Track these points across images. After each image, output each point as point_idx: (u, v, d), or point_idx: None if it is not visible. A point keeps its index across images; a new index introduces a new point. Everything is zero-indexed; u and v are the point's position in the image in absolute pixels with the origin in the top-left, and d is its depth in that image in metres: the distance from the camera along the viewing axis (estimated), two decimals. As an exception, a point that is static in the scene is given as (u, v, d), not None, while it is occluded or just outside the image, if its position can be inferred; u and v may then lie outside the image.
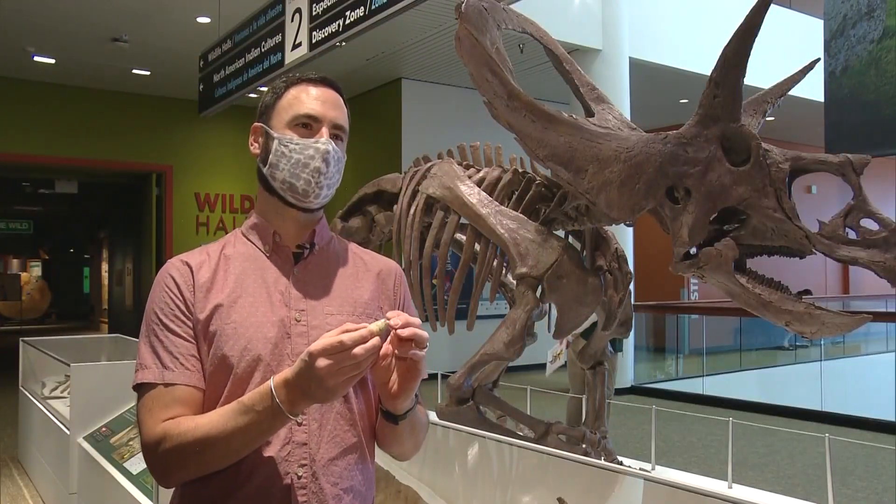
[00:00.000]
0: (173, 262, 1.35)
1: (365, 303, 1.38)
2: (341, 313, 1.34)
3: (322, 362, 1.08)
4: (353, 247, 1.49)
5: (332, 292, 1.37)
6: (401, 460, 1.49)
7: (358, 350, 1.08)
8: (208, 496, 1.25)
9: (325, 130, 1.35)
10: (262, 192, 1.41)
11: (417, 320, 1.16)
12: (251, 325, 1.29)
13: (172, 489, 1.32)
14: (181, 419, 1.22)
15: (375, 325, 1.11)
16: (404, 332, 1.13)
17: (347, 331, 1.10)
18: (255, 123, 1.41)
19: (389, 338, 1.14)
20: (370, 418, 1.37)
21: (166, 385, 1.25)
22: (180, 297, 1.30)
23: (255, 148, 1.41)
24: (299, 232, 1.39)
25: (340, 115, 1.39)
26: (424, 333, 1.15)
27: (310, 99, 1.36)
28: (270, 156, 1.36)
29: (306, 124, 1.35)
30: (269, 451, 1.25)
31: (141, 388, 1.27)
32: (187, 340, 1.28)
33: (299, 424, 1.27)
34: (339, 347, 1.08)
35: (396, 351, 1.16)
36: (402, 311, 1.41)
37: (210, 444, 1.17)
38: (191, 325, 1.29)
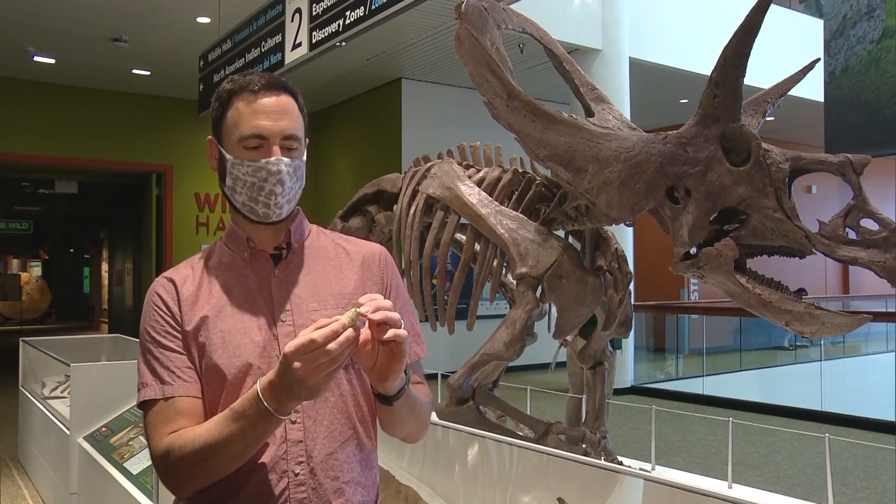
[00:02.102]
0: (158, 281, 1.37)
1: (349, 294, 1.37)
2: (325, 308, 1.34)
3: (297, 363, 1.08)
4: (336, 237, 1.48)
5: (316, 288, 1.37)
6: (409, 442, 1.49)
7: (331, 346, 1.07)
8: (210, 499, 1.27)
9: (275, 149, 1.30)
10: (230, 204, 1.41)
11: (388, 302, 1.14)
12: (238, 331, 1.30)
13: (174, 495, 1.33)
14: (182, 432, 1.23)
15: (346, 317, 1.09)
16: (376, 317, 1.12)
17: (320, 327, 1.08)
18: (209, 137, 1.38)
19: (367, 323, 1.12)
20: (369, 405, 1.37)
21: (167, 399, 1.27)
22: (168, 313, 1.32)
23: (213, 164, 1.40)
24: (273, 236, 1.38)
25: (290, 122, 1.32)
26: (395, 315, 1.13)
27: (254, 115, 1.30)
28: (227, 177, 1.34)
29: (255, 145, 1.30)
30: (267, 451, 1.26)
31: (145, 406, 1.29)
32: (181, 353, 1.30)
33: (293, 423, 1.28)
34: (311, 346, 1.07)
35: (376, 335, 1.14)
36: (391, 292, 1.41)
37: (210, 452, 1.19)
38: (181, 338, 1.31)
